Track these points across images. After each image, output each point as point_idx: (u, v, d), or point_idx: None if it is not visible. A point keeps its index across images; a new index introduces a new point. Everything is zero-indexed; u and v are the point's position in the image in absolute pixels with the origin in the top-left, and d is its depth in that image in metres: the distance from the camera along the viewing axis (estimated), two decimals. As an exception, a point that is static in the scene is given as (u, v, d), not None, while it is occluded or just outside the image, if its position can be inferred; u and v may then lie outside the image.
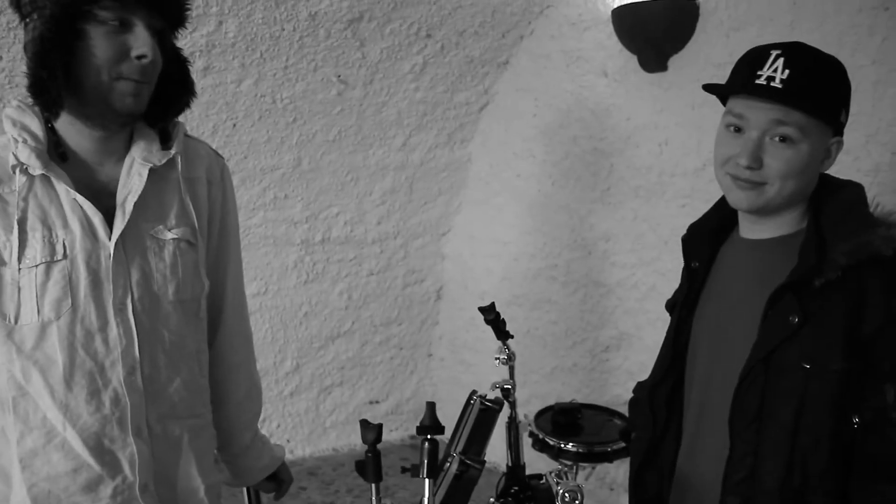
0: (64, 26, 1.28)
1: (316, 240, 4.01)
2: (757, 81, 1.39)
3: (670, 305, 1.73)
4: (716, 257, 1.61)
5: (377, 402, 4.41)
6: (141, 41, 1.32)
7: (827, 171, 1.48)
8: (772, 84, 1.38)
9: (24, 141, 1.34)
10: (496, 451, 2.38)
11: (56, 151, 1.37)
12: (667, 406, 1.64)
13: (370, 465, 1.34)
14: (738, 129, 1.43)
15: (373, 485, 1.33)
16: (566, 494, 1.21)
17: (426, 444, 1.23)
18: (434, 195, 4.16)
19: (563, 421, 2.59)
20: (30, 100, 1.36)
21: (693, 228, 1.67)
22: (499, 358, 2.01)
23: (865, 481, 1.35)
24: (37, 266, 1.32)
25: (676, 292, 1.72)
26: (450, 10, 3.39)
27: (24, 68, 1.35)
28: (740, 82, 1.43)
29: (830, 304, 1.35)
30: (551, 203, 3.64)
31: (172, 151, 1.47)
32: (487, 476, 2.39)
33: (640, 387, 1.76)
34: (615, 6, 3.07)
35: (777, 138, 1.39)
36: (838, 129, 1.44)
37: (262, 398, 1.78)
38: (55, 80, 1.30)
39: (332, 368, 4.26)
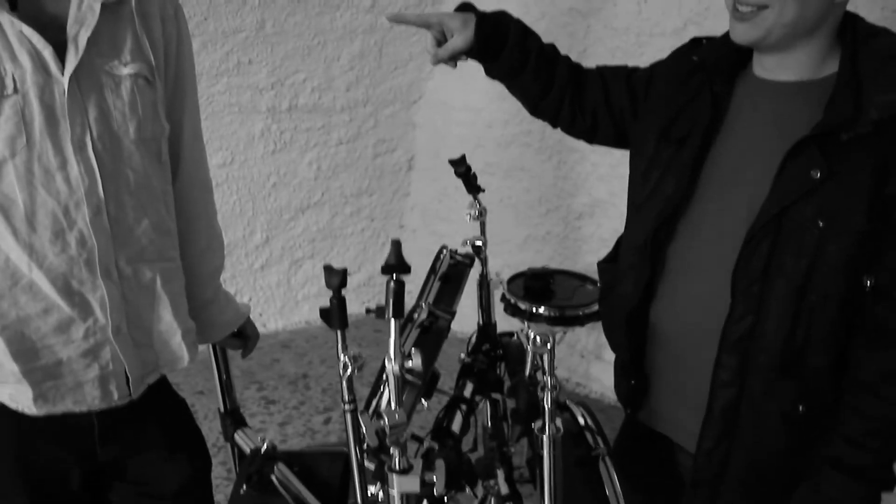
0: None
1: (283, 107, 3.88)
2: None
3: (663, 130, 1.52)
4: (733, 91, 1.47)
5: (349, 274, 4.39)
6: None
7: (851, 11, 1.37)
8: None
9: None
10: (467, 320, 2.35)
11: None
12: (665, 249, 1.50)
13: (335, 311, 1.29)
14: None
15: (338, 332, 1.28)
16: (538, 337, 1.18)
17: (391, 283, 1.18)
18: (405, 60, 4.01)
19: (536, 286, 2.57)
20: None
21: (719, 47, 1.50)
22: (469, 213, 1.95)
23: (869, 346, 1.31)
24: None
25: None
26: None
27: None
28: None
29: (856, 160, 1.26)
30: (526, 68, 3.53)
31: None
32: (458, 346, 2.38)
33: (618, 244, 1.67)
34: None
35: None
36: None
37: (224, 252, 1.72)
38: None
39: (303, 241, 4.21)
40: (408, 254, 4.37)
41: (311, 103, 3.92)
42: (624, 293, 1.56)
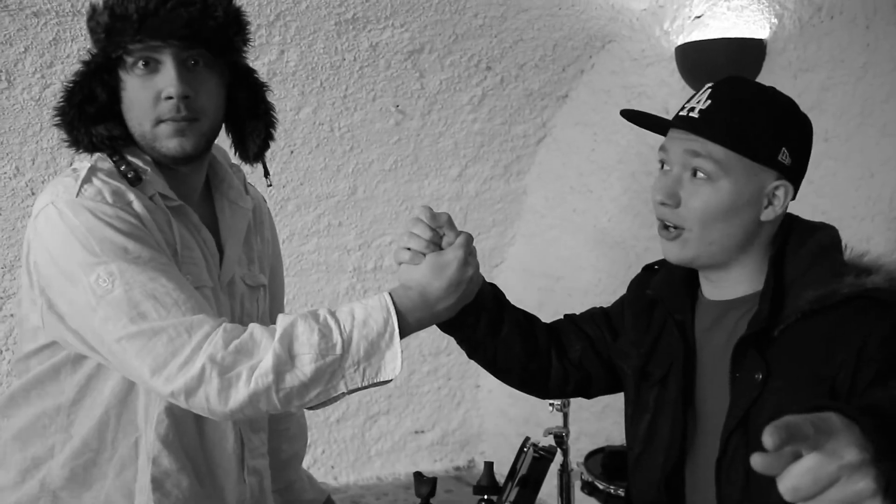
0: (99, 76, 1.29)
1: (368, 268, 4.01)
2: (680, 113, 1.30)
3: (639, 368, 1.46)
4: (694, 318, 1.41)
5: (423, 431, 4.38)
6: (167, 79, 1.28)
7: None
8: (690, 115, 1.27)
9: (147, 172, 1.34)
10: (542, 488, 2.32)
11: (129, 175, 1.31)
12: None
13: (422, 520, 1.31)
14: (664, 166, 1.33)
15: (424, 540, 1.30)
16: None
17: (482, 504, 1.20)
18: (488, 226, 4.13)
19: (614, 464, 2.54)
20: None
21: (667, 277, 1.46)
22: (553, 404, 1.96)
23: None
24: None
25: (627, 344, 1.50)
26: (510, 43, 3.37)
27: None
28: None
29: (795, 352, 1.23)
30: (607, 239, 3.59)
31: (251, 196, 1.50)
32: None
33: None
34: (679, 43, 3.03)
35: (694, 173, 1.26)
36: (788, 174, 1.28)
37: (307, 436, 1.80)
38: (76, 122, 1.30)
39: (379, 396, 4.24)
40: (484, 414, 4.36)
41: (396, 264, 4.04)
42: None
